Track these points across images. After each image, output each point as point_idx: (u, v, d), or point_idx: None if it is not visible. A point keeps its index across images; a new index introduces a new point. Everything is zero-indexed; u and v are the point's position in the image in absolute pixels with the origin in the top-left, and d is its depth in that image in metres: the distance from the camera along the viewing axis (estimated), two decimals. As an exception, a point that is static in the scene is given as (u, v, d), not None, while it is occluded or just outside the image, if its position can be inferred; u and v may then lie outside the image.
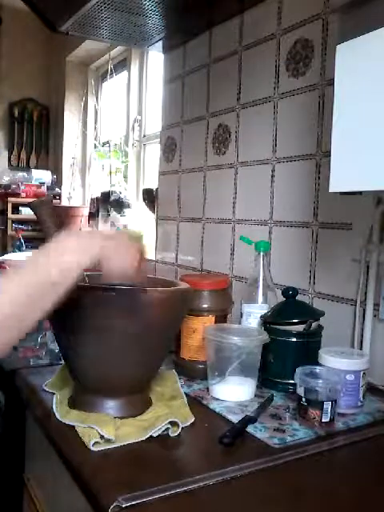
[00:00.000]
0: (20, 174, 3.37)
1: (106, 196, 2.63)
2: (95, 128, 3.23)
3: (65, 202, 3.27)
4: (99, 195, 2.74)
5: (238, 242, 1.51)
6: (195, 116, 1.76)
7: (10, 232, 3.18)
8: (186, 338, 1.09)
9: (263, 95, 1.44)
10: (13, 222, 3.21)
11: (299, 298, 1.09)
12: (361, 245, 1.12)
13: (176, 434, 0.79)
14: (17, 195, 3.19)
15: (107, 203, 2.59)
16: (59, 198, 3.28)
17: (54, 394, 0.92)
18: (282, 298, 1.09)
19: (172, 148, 1.90)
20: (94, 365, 0.84)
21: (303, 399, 0.85)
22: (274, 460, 0.73)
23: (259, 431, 0.82)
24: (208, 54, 1.69)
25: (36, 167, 3.44)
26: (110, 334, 0.80)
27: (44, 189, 3.26)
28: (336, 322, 1.16)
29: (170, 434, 0.79)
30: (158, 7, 1.49)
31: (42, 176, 3.33)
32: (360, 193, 1.08)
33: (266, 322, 1.05)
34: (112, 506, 0.60)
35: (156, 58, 2.38)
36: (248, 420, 0.84)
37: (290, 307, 1.06)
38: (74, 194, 3.26)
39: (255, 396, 0.98)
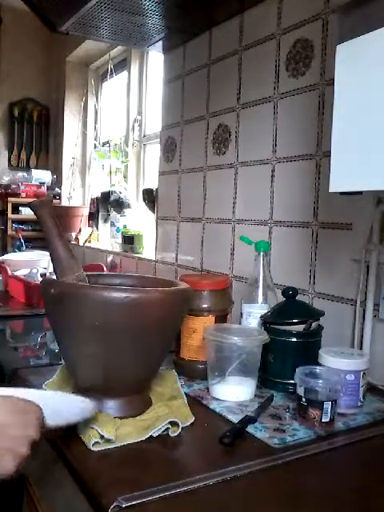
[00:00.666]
0: (20, 173, 3.37)
1: (105, 196, 2.63)
2: (95, 128, 3.23)
3: (65, 202, 3.27)
4: (99, 195, 2.74)
5: (238, 242, 1.51)
6: (195, 116, 1.76)
7: (9, 232, 3.19)
8: (186, 338, 1.09)
9: (263, 95, 1.44)
10: (13, 222, 3.22)
11: (299, 298, 1.09)
12: (361, 245, 1.12)
13: (176, 434, 0.79)
14: (17, 195, 3.19)
15: (107, 203, 2.59)
16: (59, 198, 3.28)
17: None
18: (281, 298, 1.09)
19: (172, 148, 1.90)
20: (94, 365, 0.84)
21: (303, 399, 0.85)
22: (274, 460, 0.73)
23: (259, 431, 0.82)
24: (208, 54, 1.69)
25: (36, 167, 3.44)
26: (110, 334, 0.80)
27: (44, 189, 3.27)
28: (336, 322, 1.16)
29: (169, 433, 0.79)
30: (158, 7, 1.49)
31: (42, 176, 3.34)
32: (360, 193, 1.08)
33: (266, 322, 1.05)
34: (112, 506, 0.60)
35: (156, 58, 2.38)
36: (248, 420, 0.84)
37: (290, 307, 1.06)
38: (74, 194, 3.26)
39: (255, 396, 0.98)
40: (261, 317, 1.08)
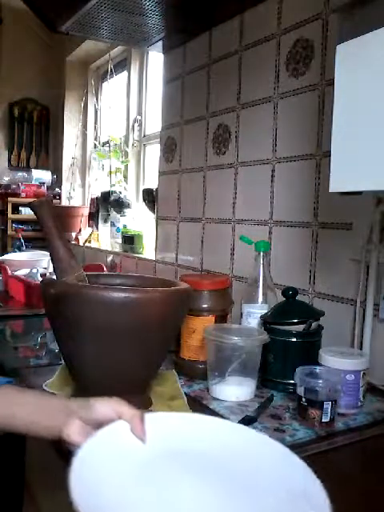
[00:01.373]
0: (20, 173, 3.37)
1: (105, 196, 2.63)
2: (95, 128, 3.23)
3: (65, 202, 3.27)
4: (99, 195, 2.74)
5: (238, 242, 1.51)
6: (195, 116, 1.76)
7: (9, 232, 3.19)
8: (186, 337, 1.09)
9: (263, 95, 1.44)
10: (13, 221, 3.22)
11: (299, 297, 1.09)
12: (361, 245, 1.12)
13: (176, 434, 0.79)
14: (17, 195, 3.19)
15: (107, 203, 2.59)
16: (59, 198, 3.28)
17: (54, 394, 0.92)
18: (281, 298, 1.09)
19: (172, 148, 1.90)
20: (94, 365, 0.84)
21: (303, 399, 0.85)
22: (274, 460, 0.73)
23: (259, 431, 0.82)
24: (208, 54, 1.69)
25: (36, 167, 3.44)
26: (110, 334, 0.80)
27: (44, 189, 3.27)
28: (336, 322, 1.16)
29: (170, 434, 0.79)
30: (158, 7, 1.49)
31: (42, 176, 3.34)
32: (360, 193, 1.08)
33: (266, 322, 1.05)
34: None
35: (156, 58, 2.38)
36: (248, 420, 0.84)
37: (290, 307, 1.06)
38: (74, 194, 3.26)
39: (255, 396, 0.98)
40: (261, 317, 1.08)
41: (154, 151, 2.49)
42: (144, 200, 2.18)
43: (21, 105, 3.44)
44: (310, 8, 1.27)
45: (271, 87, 1.40)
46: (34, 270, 1.91)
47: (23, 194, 3.18)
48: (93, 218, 2.83)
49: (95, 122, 3.23)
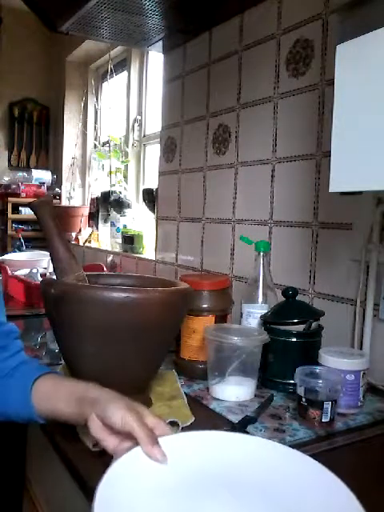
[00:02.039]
0: (20, 173, 3.37)
1: (106, 196, 2.63)
2: (95, 128, 3.23)
3: (65, 202, 3.27)
4: (99, 195, 2.74)
5: (238, 242, 1.51)
6: (195, 116, 1.76)
7: (9, 232, 3.19)
8: (186, 337, 1.09)
9: (263, 95, 1.44)
10: (13, 221, 3.22)
11: (299, 297, 1.09)
12: (361, 245, 1.12)
13: (176, 434, 0.79)
14: (17, 195, 3.19)
15: (107, 203, 2.59)
16: (59, 198, 3.28)
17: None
18: (282, 298, 1.09)
19: (172, 148, 1.90)
20: (94, 365, 0.84)
21: (303, 399, 0.85)
22: (274, 460, 0.73)
23: (259, 431, 0.82)
24: (208, 54, 1.69)
25: (36, 167, 3.44)
26: (110, 334, 0.80)
27: (44, 189, 3.27)
28: (336, 322, 1.16)
29: (170, 433, 0.79)
30: (158, 7, 1.49)
31: (42, 176, 3.34)
32: (360, 193, 1.09)
33: (266, 322, 1.05)
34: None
35: (156, 58, 2.38)
36: (248, 420, 0.84)
37: (290, 307, 1.06)
38: (74, 194, 3.26)
39: (255, 396, 0.98)
40: (261, 317, 1.08)
41: (154, 151, 2.49)
42: (144, 200, 2.18)
43: (21, 105, 3.44)
44: (310, 8, 1.27)
45: (271, 87, 1.40)
46: (34, 270, 1.91)
47: (23, 194, 3.18)
48: (93, 217, 2.83)
49: (95, 122, 3.23)
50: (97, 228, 2.78)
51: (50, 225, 0.88)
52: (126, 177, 2.70)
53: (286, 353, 1.01)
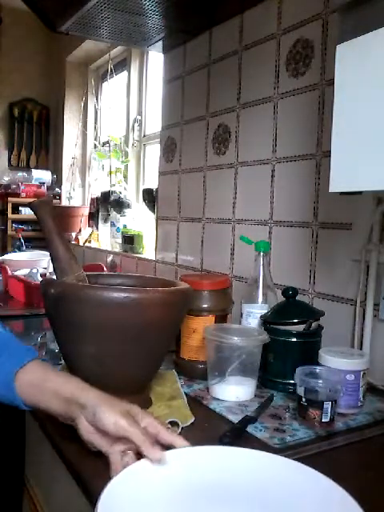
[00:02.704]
0: (20, 174, 3.37)
1: (106, 196, 2.63)
2: (95, 128, 3.23)
3: (65, 202, 3.27)
4: (99, 195, 2.74)
5: (238, 242, 1.51)
6: (195, 116, 1.76)
7: (9, 232, 3.19)
8: (186, 337, 1.09)
9: (263, 95, 1.44)
10: (13, 221, 3.22)
11: (299, 297, 1.09)
12: (361, 245, 1.12)
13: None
14: (17, 195, 3.20)
15: (107, 203, 2.59)
16: (59, 198, 3.28)
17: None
18: (282, 298, 1.09)
19: (172, 148, 1.90)
20: (94, 365, 0.84)
21: (303, 399, 0.85)
22: (274, 460, 0.73)
23: (259, 431, 0.82)
24: (208, 54, 1.69)
25: (36, 167, 3.44)
26: (109, 334, 0.80)
27: (44, 189, 3.27)
28: (336, 322, 1.16)
29: (170, 434, 0.79)
30: (158, 7, 1.49)
31: (42, 176, 3.34)
32: (360, 193, 1.08)
33: (266, 322, 1.05)
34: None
35: (156, 58, 2.38)
36: (248, 420, 0.84)
37: (290, 307, 1.06)
38: (74, 194, 3.26)
39: (255, 396, 0.98)
40: (261, 317, 1.08)
41: (154, 151, 2.49)
42: (144, 200, 2.18)
43: (21, 105, 3.44)
44: (310, 8, 1.27)
45: (271, 87, 1.40)
46: (34, 270, 1.91)
47: (23, 194, 3.18)
48: (93, 217, 2.83)
49: (95, 122, 3.23)
50: (97, 228, 2.78)
51: (49, 225, 0.88)
52: (125, 177, 2.70)
53: (286, 353, 1.01)
